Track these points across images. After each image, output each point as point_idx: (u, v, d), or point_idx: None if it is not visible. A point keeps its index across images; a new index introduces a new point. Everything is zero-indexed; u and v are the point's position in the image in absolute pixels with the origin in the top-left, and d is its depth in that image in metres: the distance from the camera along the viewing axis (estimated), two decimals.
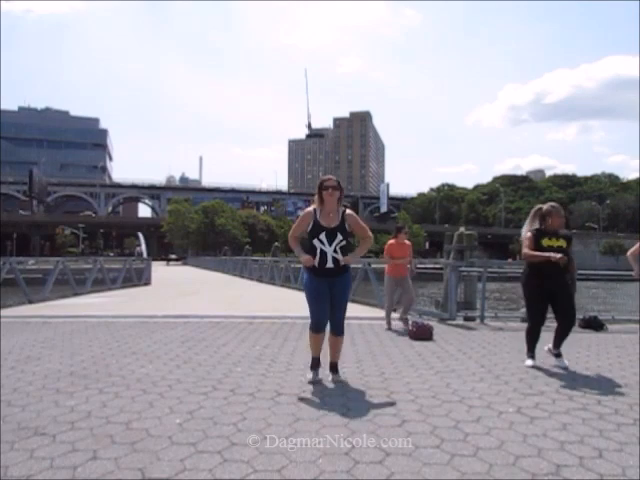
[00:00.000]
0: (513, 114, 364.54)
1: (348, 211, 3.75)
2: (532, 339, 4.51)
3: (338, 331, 3.81)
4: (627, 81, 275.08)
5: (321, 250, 3.61)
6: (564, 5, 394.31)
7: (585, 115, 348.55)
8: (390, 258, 6.86)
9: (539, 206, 4.51)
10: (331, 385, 3.72)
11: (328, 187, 3.62)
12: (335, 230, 3.62)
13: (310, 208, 3.74)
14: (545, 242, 4.28)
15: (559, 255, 4.11)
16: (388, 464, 2.32)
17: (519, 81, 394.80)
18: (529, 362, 4.45)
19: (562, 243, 4.29)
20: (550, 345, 4.50)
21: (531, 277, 4.39)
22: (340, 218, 3.67)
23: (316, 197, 3.70)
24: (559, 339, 4.41)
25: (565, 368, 4.29)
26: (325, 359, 3.95)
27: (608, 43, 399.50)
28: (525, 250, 4.35)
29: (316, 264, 3.63)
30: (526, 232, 4.43)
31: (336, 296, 3.71)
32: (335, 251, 3.61)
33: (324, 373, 3.89)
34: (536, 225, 4.45)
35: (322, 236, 3.60)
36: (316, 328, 3.75)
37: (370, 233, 3.81)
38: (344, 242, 3.65)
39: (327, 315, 3.73)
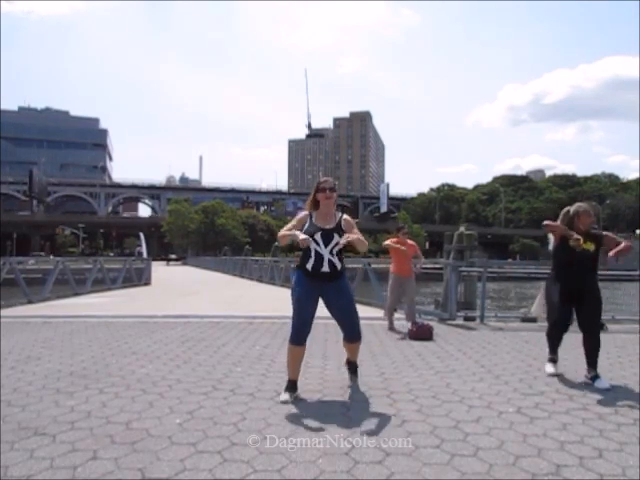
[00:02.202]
0: (512, 114, 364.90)
1: (345, 216, 3.50)
2: (551, 340, 4.19)
3: (352, 338, 3.56)
4: (626, 81, 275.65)
5: (316, 252, 3.33)
6: (563, 5, 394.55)
7: (584, 115, 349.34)
8: (397, 249, 6.66)
9: (567, 209, 4.25)
10: (331, 385, 3.72)
11: (325, 189, 3.41)
12: (332, 231, 3.36)
13: (305, 212, 3.52)
14: (571, 242, 3.95)
15: (577, 236, 3.83)
16: (388, 464, 2.32)
17: (519, 81, 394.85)
18: (549, 369, 4.12)
19: (589, 246, 4.00)
20: (585, 372, 3.98)
21: (556, 275, 4.12)
22: (337, 221, 3.45)
23: (310, 200, 3.51)
24: (590, 357, 3.95)
25: (609, 389, 3.68)
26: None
27: (607, 44, 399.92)
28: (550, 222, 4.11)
29: (310, 267, 3.35)
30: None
31: (337, 303, 3.45)
32: (331, 253, 3.34)
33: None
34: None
35: (317, 236, 3.33)
36: (296, 339, 3.37)
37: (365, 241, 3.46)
38: (340, 246, 3.34)
39: (309, 326, 3.40)
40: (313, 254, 3.35)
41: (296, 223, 3.46)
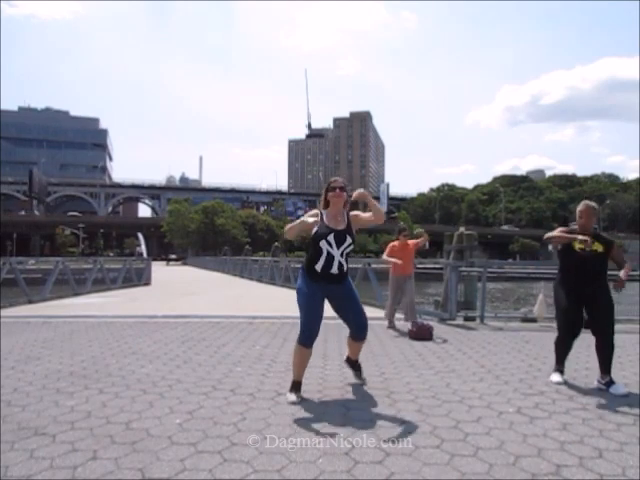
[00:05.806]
0: (510, 115, 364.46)
1: (352, 212, 3.51)
2: (560, 350, 3.97)
3: (359, 337, 3.56)
4: (623, 82, 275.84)
5: (328, 252, 3.30)
6: (562, 6, 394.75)
7: (582, 116, 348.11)
8: (389, 257, 6.87)
9: (593, 205, 3.94)
10: (331, 385, 3.72)
11: (335, 188, 3.39)
12: (344, 232, 3.35)
13: (315, 210, 3.50)
14: (576, 244, 3.78)
15: (586, 237, 3.62)
16: (388, 464, 2.32)
17: (517, 82, 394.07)
18: (555, 377, 3.90)
19: (597, 247, 3.77)
20: (598, 377, 3.78)
21: (563, 279, 3.92)
22: (346, 221, 3.42)
23: (321, 200, 3.49)
24: (603, 362, 3.73)
25: (626, 395, 3.51)
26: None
27: (603, 45, 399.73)
28: (548, 234, 3.93)
29: (319, 268, 3.32)
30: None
31: (344, 302, 3.46)
32: (342, 255, 3.33)
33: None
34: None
35: (330, 237, 3.30)
36: (306, 341, 3.33)
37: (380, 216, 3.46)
38: (352, 247, 3.38)
39: (318, 327, 3.37)
40: (325, 255, 3.31)
41: (306, 217, 3.41)
